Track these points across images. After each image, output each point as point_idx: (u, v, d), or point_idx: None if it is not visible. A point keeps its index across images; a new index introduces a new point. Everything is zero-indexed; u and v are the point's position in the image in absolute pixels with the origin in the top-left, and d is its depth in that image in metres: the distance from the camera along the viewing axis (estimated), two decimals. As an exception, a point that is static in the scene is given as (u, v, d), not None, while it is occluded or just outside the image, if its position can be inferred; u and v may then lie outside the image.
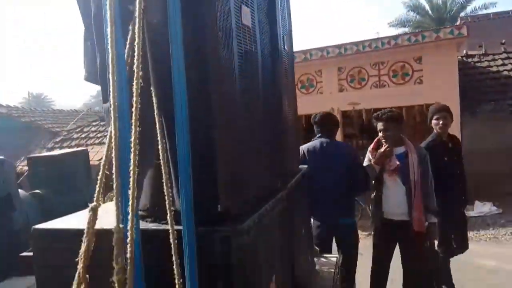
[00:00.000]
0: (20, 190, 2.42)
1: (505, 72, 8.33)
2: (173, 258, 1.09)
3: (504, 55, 8.96)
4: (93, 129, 12.08)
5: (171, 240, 1.10)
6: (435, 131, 3.70)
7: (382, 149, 3.29)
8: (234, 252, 1.11)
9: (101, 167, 1.19)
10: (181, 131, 1.05)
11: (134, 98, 1.08)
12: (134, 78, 1.07)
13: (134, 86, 1.08)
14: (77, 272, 1.16)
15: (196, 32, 1.12)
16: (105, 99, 1.40)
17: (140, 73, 1.06)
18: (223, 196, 1.16)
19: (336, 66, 7.73)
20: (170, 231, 1.10)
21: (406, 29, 19.33)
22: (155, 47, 1.17)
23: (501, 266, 4.41)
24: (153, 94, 1.15)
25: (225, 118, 1.18)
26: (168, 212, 1.11)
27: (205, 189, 1.14)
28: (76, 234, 1.20)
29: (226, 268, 1.11)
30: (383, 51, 7.07)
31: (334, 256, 2.73)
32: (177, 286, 1.08)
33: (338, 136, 8.00)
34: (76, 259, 1.15)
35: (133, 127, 1.08)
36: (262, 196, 1.46)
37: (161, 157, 1.13)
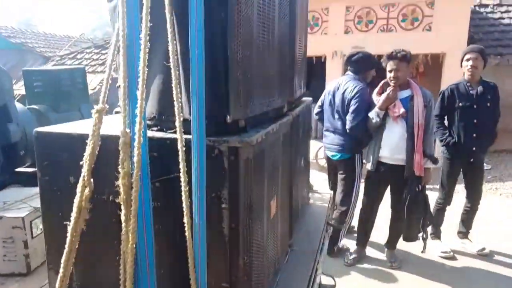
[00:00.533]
0: (17, 103, 2.35)
1: (516, 25, 8.06)
2: (180, 166, 1.07)
3: (518, 7, 8.60)
4: (86, 56, 11.69)
5: (179, 147, 1.07)
6: (465, 75, 3.59)
7: (386, 93, 3.22)
8: (241, 163, 1.10)
9: (107, 67, 1.13)
10: (195, 32, 0.98)
11: (145, -10, 0.99)
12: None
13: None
14: (82, 176, 1.15)
15: None
16: (110, -2, 1.30)
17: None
18: (233, 107, 1.12)
19: (344, 5, 7.36)
20: (178, 138, 1.07)
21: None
22: None
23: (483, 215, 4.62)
24: (164, -8, 1.06)
25: (241, 30, 1.10)
26: (177, 118, 1.07)
27: (215, 98, 1.10)
28: (81, 138, 1.18)
29: (233, 179, 1.11)
30: (395, -9, 6.73)
31: (327, 193, 2.79)
32: (183, 192, 1.08)
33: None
34: (81, 162, 1.14)
35: (143, 22, 1.00)
36: (270, 116, 1.43)
37: (171, 60, 1.06)
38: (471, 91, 3.50)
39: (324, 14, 7.58)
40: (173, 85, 1.07)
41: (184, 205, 1.08)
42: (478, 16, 8.53)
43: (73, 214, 1.16)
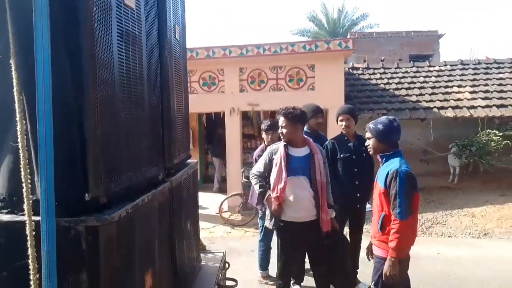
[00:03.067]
0: None
1: (382, 85, 9.52)
2: (29, 252, 0.99)
3: (382, 70, 10.23)
4: None
5: (27, 232, 0.99)
6: (341, 131, 4.00)
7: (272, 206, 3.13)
8: (101, 243, 1.06)
9: None
10: (43, 110, 0.96)
11: (-15, 72, 0.95)
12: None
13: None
14: None
15: (67, 3, 1.03)
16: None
17: (-6, 43, 0.94)
18: (92, 185, 1.09)
19: (238, 67, 7.89)
20: (27, 221, 1.00)
21: (305, 38, 20.77)
22: (17, 15, 1.04)
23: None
24: (13, 69, 1.03)
25: (98, 99, 1.11)
26: (25, 200, 1.00)
27: (71, 176, 1.06)
28: None
29: (93, 260, 1.05)
30: (281, 55, 7.47)
31: (220, 251, 2.77)
32: (32, 282, 0.99)
33: (237, 136, 8.20)
34: None
35: (-18, 104, 0.95)
36: (140, 187, 1.42)
37: (19, 140, 1.01)
38: (349, 144, 3.95)
39: (220, 74, 8.00)
40: (21, 165, 1.01)
41: (33, 296, 0.98)
42: (352, 77, 9.89)
43: None
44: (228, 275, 2.70)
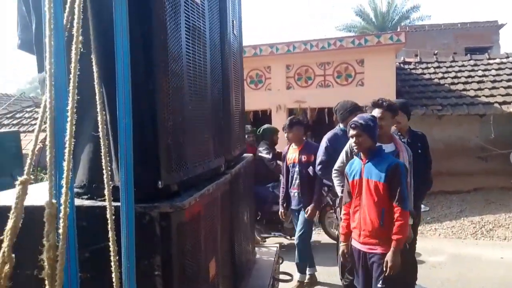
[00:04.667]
0: None
1: (436, 80, 9.05)
2: (110, 235, 1.05)
3: (436, 64, 9.72)
4: (26, 115, 11.18)
5: (107, 216, 1.06)
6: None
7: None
8: (173, 228, 1.10)
9: (34, 138, 1.11)
10: (123, 102, 1.01)
11: (73, 64, 1.02)
12: (73, 43, 1.01)
13: (73, 51, 1.02)
14: (1, 251, 1.08)
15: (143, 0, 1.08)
16: (41, 69, 1.31)
17: (80, 37, 1.00)
18: (164, 173, 1.14)
19: (285, 63, 7.88)
20: (108, 206, 1.06)
21: (351, 34, 20.27)
22: (97, 13, 1.11)
23: (425, 258, 4.82)
24: (93, 62, 1.10)
25: (170, 91, 1.16)
26: (106, 186, 1.07)
27: (145, 165, 1.12)
28: (3, 210, 1.12)
29: (165, 245, 1.10)
30: (329, 51, 7.35)
31: (274, 246, 2.79)
32: (112, 263, 1.05)
33: (283, 134, 8.15)
34: (1, 237, 1.07)
35: (70, 95, 1.02)
36: (205, 177, 1.46)
37: (100, 129, 1.08)
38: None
39: (266, 72, 8.04)
40: (102, 153, 1.08)
41: (114, 276, 1.04)
42: (403, 72, 9.50)
43: (-10, 295, 1.07)
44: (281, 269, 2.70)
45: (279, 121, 8.11)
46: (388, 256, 2.45)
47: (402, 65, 9.93)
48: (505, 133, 7.88)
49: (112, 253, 1.05)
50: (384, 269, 2.46)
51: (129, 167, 1.02)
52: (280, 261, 2.57)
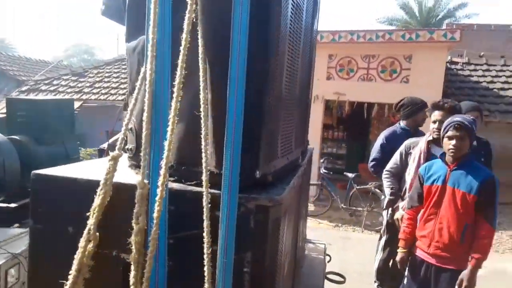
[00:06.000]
0: (-5, 131, 2.17)
1: (484, 84, 8.60)
2: (205, 224, 0.97)
3: (485, 67, 9.23)
4: (63, 83, 11.39)
5: (204, 203, 0.97)
6: None
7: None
8: (270, 223, 1.01)
9: (129, 112, 1.03)
10: (236, 79, 0.91)
11: (184, 35, 0.92)
12: (187, 12, 0.91)
13: (186, 20, 0.92)
14: (87, 228, 1.02)
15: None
16: (130, 37, 1.23)
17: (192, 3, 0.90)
18: (263, 161, 1.04)
19: (327, 53, 7.63)
20: (204, 192, 0.97)
21: (393, 27, 19.54)
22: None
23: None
24: (199, 35, 1.00)
25: (275, 83, 1.05)
26: (204, 170, 0.98)
27: (245, 151, 1.02)
28: (89, 185, 1.05)
29: (259, 240, 1.01)
30: (375, 44, 7.05)
31: (321, 243, 2.69)
32: (205, 256, 0.97)
33: (319, 125, 7.98)
34: (87, 213, 1.01)
35: (178, 70, 0.93)
36: (288, 169, 1.36)
37: (202, 109, 0.99)
38: None
39: (307, 60, 7.84)
40: (202, 135, 0.99)
41: (206, 269, 0.96)
42: (450, 72, 9.07)
43: (72, 272, 1.01)
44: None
45: (315, 111, 7.91)
46: (465, 275, 2.28)
47: (448, 65, 9.48)
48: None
49: (205, 245, 0.96)
50: (457, 286, 2.30)
51: (236, 152, 0.92)
52: (328, 260, 2.47)
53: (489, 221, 2.28)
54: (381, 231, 3.63)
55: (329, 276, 2.20)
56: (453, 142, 2.32)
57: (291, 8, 1.15)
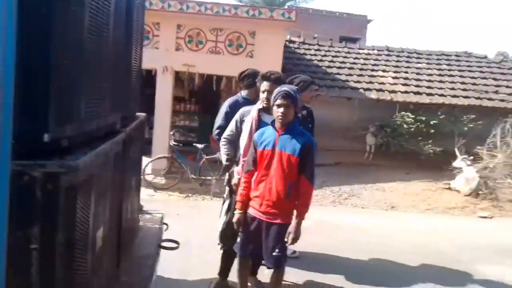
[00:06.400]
0: None
1: (315, 62, 9.81)
2: (-30, 198, 0.80)
3: (316, 47, 10.52)
4: None
5: (-32, 174, 0.80)
6: None
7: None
8: (62, 194, 0.91)
9: None
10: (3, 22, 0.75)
11: None
12: None
13: None
14: None
15: None
16: None
17: None
18: (53, 123, 0.92)
19: (176, 23, 7.43)
20: (-32, 161, 0.80)
21: (241, 4, 20.28)
22: None
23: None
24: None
25: (68, 33, 0.92)
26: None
27: (27, 110, 0.88)
28: None
29: (48, 213, 0.90)
30: (222, 18, 7.19)
31: (158, 212, 2.65)
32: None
33: (168, 97, 7.79)
34: None
35: None
36: (100, 134, 1.25)
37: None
38: (298, 114, 3.98)
39: (155, 29, 7.46)
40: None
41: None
42: (288, 50, 10.00)
43: None
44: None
45: (164, 83, 7.70)
46: (292, 228, 2.54)
47: (287, 43, 10.42)
48: (365, 117, 9.08)
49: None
50: (287, 239, 2.55)
51: (6, 114, 0.78)
52: (165, 228, 2.46)
53: (308, 178, 2.55)
54: (224, 196, 3.81)
55: (164, 244, 2.20)
56: (281, 109, 2.53)
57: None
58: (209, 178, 6.90)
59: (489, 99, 8.95)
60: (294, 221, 2.57)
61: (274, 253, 2.61)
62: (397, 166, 8.35)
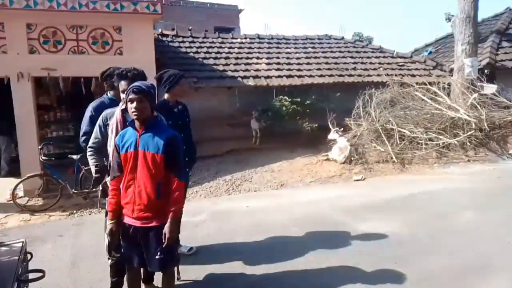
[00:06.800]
0: None
1: (191, 54, 9.71)
2: None
3: (191, 39, 10.41)
4: None
5: None
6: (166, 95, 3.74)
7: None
8: None
9: None
10: None
11: None
12: None
13: None
14: None
15: None
16: None
17: None
18: None
19: (25, 22, 6.51)
20: None
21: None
22: None
23: (188, 219, 5.22)
24: None
25: None
26: None
27: None
28: None
29: None
30: (81, 13, 6.53)
31: (18, 241, 2.32)
32: None
33: (30, 108, 6.84)
34: None
35: None
36: None
37: None
38: (174, 109, 3.84)
39: (-1, 30, 6.44)
40: None
41: None
42: (162, 44, 9.69)
43: None
44: (33, 266, 2.29)
45: (22, 92, 6.72)
46: (166, 228, 2.43)
47: (160, 37, 10.09)
48: (247, 103, 9.38)
49: None
50: (164, 240, 2.43)
51: None
52: (29, 258, 2.16)
53: (176, 175, 2.46)
54: (106, 208, 3.56)
55: (30, 275, 1.93)
56: (134, 104, 2.42)
57: None
58: (94, 189, 6.34)
59: (350, 75, 10.08)
60: (169, 221, 2.46)
61: (157, 257, 2.52)
62: (282, 147, 8.87)
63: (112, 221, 2.55)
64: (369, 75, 10.23)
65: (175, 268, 3.19)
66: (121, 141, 2.53)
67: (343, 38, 12.38)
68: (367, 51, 11.61)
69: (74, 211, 6.20)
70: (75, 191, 6.38)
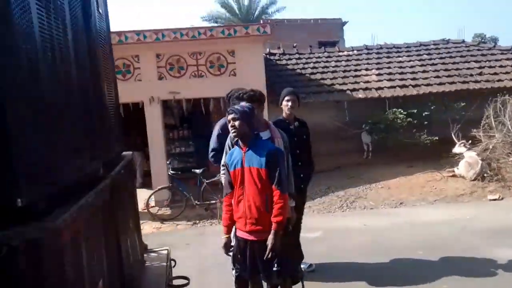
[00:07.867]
0: None
1: (298, 70, 9.84)
2: None
3: (297, 56, 10.56)
4: None
5: None
6: (283, 112, 3.92)
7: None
8: (46, 258, 0.83)
9: None
10: None
11: None
12: None
13: None
14: None
15: None
16: None
17: None
18: (25, 186, 0.84)
19: (154, 52, 7.43)
20: None
21: (217, 25, 20.53)
22: None
23: (303, 235, 5.18)
24: None
25: (21, 78, 0.86)
26: None
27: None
28: None
29: (34, 282, 0.82)
30: (200, 41, 7.20)
31: (164, 249, 2.56)
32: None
33: (159, 127, 7.75)
34: None
35: None
36: (80, 185, 1.18)
37: None
38: (290, 127, 3.94)
39: (135, 61, 7.46)
40: None
41: None
42: (270, 63, 10.03)
43: None
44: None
45: (153, 114, 7.65)
46: (269, 240, 2.51)
47: (268, 56, 10.47)
48: (356, 116, 9.06)
49: None
50: (267, 252, 2.50)
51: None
52: (173, 265, 2.36)
53: (278, 187, 2.55)
54: None
55: (175, 282, 2.10)
56: (231, 123, 2.64)
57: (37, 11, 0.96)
58: (213, 202, 6.78)
59: (475, 81, 8.99)
60: (272, 232, 2.53)
61: (274, 269, 2.58)
62: (397, 161, 8.28)
63: (226, 236, 2.72)
64: (499, 80, 8.98)
65: (300, 283, 3.18)
66: (230, 159, 2.73)
67: (463, 41, 11.16)
68: (495, 53, 10.24)
69: (197, 221, 6.70)
70: (198, 203, 6.91)
